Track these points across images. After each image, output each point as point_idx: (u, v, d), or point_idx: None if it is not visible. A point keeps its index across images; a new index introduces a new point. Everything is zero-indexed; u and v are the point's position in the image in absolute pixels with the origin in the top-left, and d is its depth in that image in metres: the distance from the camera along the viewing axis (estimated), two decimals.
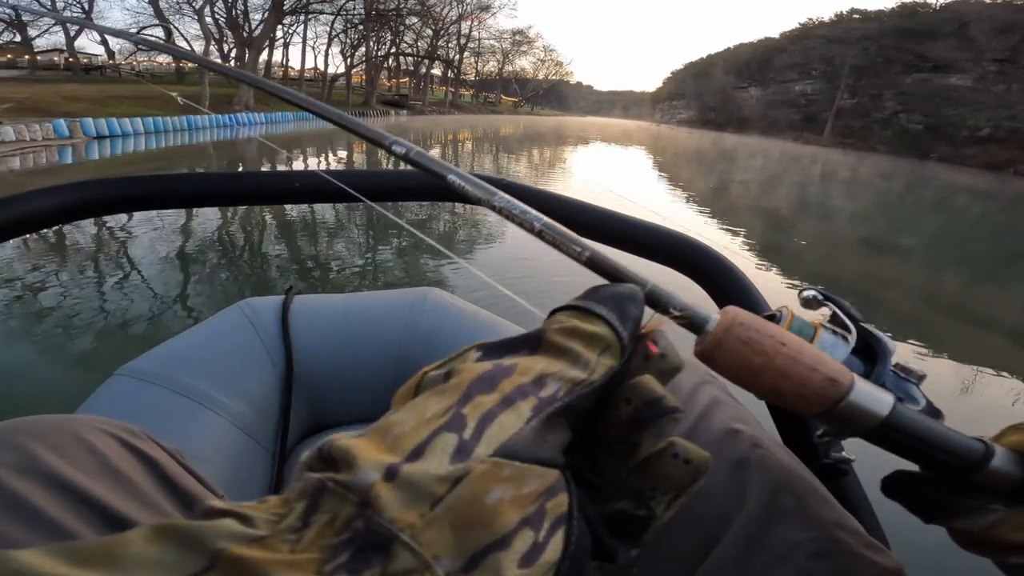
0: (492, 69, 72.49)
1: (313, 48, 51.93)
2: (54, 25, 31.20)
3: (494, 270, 4.79)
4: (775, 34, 75.37)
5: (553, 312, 0.24)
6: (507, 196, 0.30)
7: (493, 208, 0.30)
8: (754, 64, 71.84)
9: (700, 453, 0.22)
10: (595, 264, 0.29)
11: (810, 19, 68.67)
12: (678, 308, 0.28)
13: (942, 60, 47.31)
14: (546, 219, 0.30)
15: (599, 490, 0.23)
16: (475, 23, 56.88)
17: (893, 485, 0.31)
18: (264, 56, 30.74)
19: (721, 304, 0.51)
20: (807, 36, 64.84)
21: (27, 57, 30.78)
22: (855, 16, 60.41)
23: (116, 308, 3.39)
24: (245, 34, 32.18)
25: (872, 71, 52.73)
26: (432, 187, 0.72)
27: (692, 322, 0.28)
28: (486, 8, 55.04)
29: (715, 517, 0.39)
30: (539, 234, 0.30)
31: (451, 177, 0.31)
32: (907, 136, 47.58)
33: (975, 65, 45.51)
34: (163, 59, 36.81)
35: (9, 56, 31.21)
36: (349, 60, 41.91)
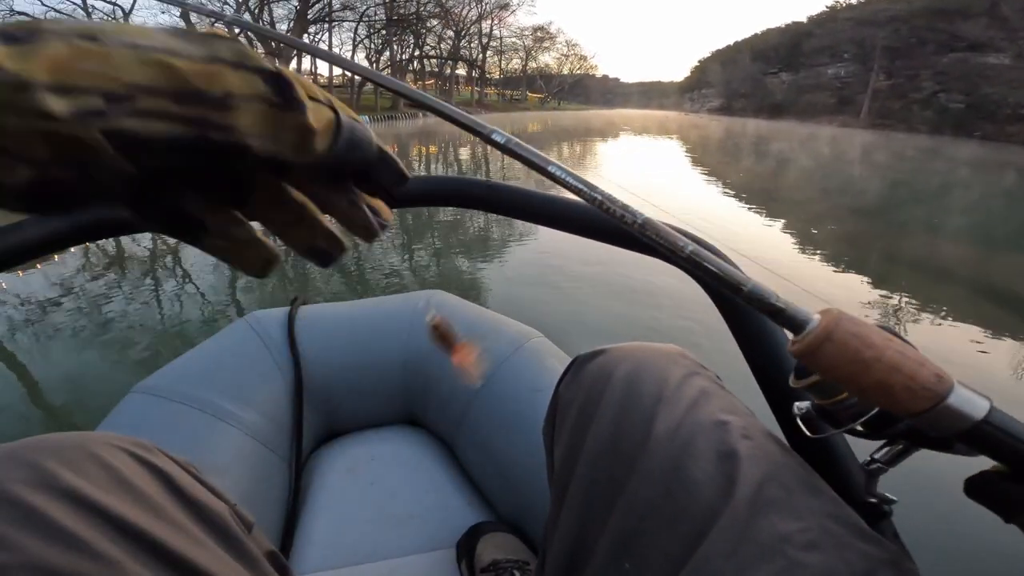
0: (516, 66, 72.35)
1: (340, 54, 52.47)
2: None
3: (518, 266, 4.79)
4: (802, 18, 73.49)
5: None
6: (606, 191, 0.30)
7: (592, 202, 0.30)
8: (783, 49, 70.13)
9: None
10: (695, 262, 0.29)
11: (837, 2, 66.83)
12: (778, 306, 0.28)
13: (976, 39, 45.53)
14: (645, 215, 0.30)
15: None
16: (495, 22, 56.84)
17: (978, 486, 0.31)
18: (293, 64, 31.25)
19: (722, 305, 0.52)
20: (835, 19, 63.05)
21: None
22: None
23: (119, 326, 3.37)
24: (273, 44, 32.78)
25: (906, 52, 51.00)
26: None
27: (792, 320, 0.28)
28: (505, 6, 54.92)
29: (703, 510, 0.38)
30: (640, 229, 0.29)
31: (551, 168, 0.31)
32: (948, 115, 46.00)
33: (1011, 43, 43.72)
34: None
35: None
36: (375, 65, 42.36)
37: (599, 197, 0.29)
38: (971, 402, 0.27)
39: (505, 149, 0.30)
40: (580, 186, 0.30)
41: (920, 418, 0.28)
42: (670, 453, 0.42)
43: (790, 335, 0.29)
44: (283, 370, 0.95)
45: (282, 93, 0.23)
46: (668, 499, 0.40)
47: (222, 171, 0.24)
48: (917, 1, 52.05)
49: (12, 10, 29.42)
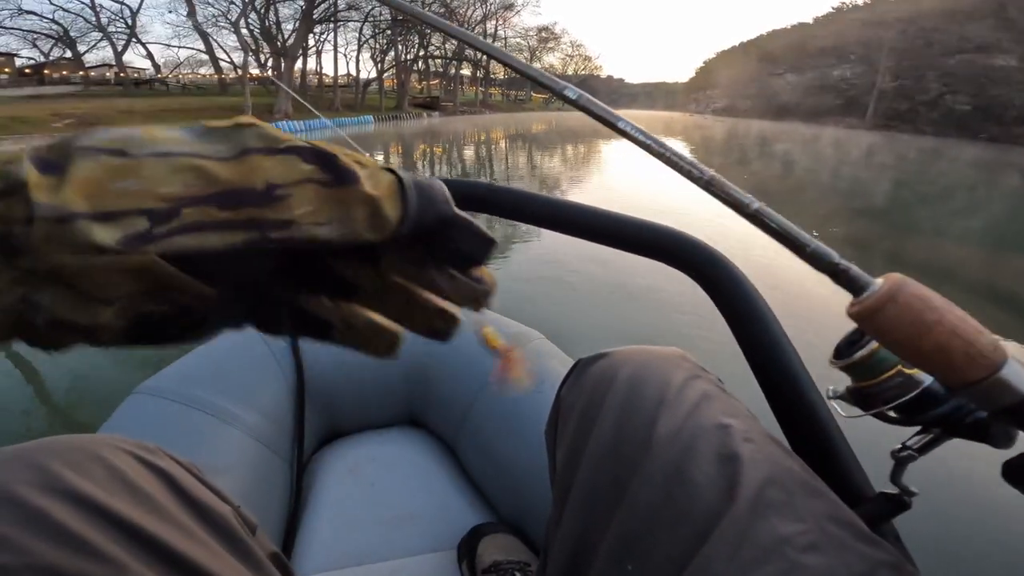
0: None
1: (344, 55, 52.70)
2: (101, 40, 32.40)
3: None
4: (808, 19, 73.30)
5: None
6: (672, 147, 0.31)
7: (661, 157, 0.30)
8: (788, 50, 69.95)
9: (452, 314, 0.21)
10: (760, 219, 0.29)
11: (843, 2, 66.61)
12: (840, 266, 0.28)
13: (983, 41, 45.35)
14: (711, 171, 0.30)
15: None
16: (500, 22, 56.89)
17: (1016, 468, 0.31)
18: (299, 64, 31.40)
19: (719, 299, 0.52)
20: (841, 20, 62.88)
21: (81, 73, 32.15)
22: None
23: None
24: (279, 44, 32.90)
25: (912, 53, 50.76)
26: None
27: (854, 281, 0.28)
28: (509, 7, 54.94)
29: (705, 513, 0.38)
30: (707, 185, 0.30)
31: (621, 124, 0.32)
32: (954, 117, 45.81)
33: (1018, 45, 43.50)
34: (206, 71, 37.92)
35: (64, 72, 32.64)
36: (380, 65, 42.46)
37: (667, 153, 0.30)
38: (1022, 376, 0.27)
39: (577, 105, 0.31)
40: (648, 141, 0.30)
41: (973, 388, 0.27)
42: (672, 456, 0.42)
43: (849, 297, 0.29)
44: (285, 371, 0.95)
45: (329, 168, 0.21)
46: (670, 501, 0.40)
47: (311, 269, 0.23)
48: (924, 2, 51.88)
49: (20, 8, 29.59)
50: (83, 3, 29.56)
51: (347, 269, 0.25)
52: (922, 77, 50.13)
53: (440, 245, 0.25)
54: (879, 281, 0.28)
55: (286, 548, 0.83)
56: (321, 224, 0.20)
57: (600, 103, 0.32)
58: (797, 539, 0.35)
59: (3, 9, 29.07)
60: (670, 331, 3.29)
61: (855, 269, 0.28)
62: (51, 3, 29.87)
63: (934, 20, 50.11)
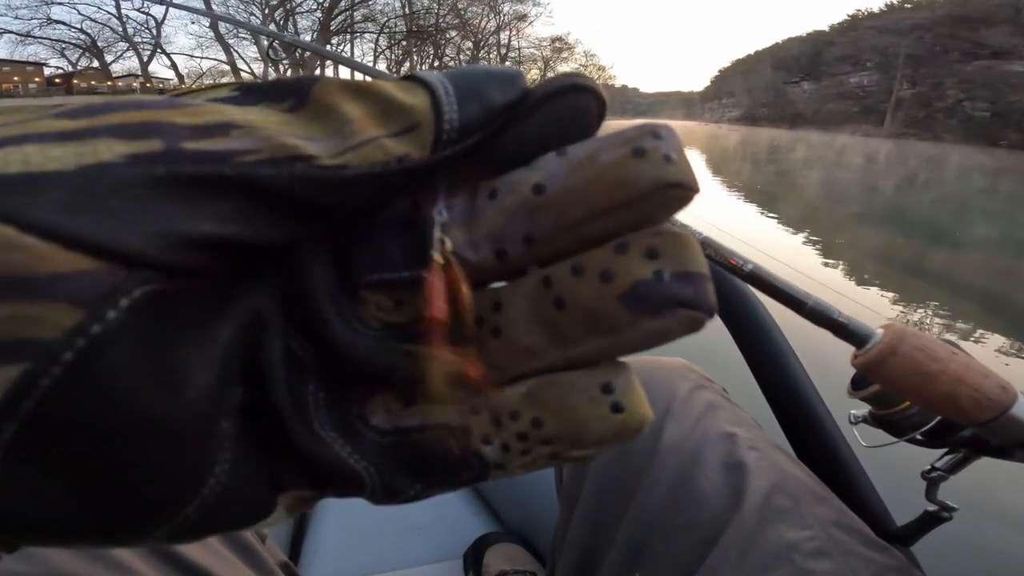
0: (535, 77, 72.87)
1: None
2: (127, 50, 33.09)
3: None
4: (824, 27, 72.99)
5: None
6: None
7: None
8: (804, 58, 69.70)
9: (641, 406, 0.13)
10: (756, 278, 0.29)
11: (859, 10, 66.24)
12: (840, 321, 0.28)
13: (1000, 47, 44.90)
14: (703, 234, 0.30)
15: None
16: (514, 33, 57.25)
17: None
18: (316, 74, 31.76)
19: (721, 310, 0.52)
20: (857, 28, 62.52)
21: (108, 83, 32.81)
22: (906, 5, 57.96)
23: None
24: (298, 55, 33.40)
25: (929, 60, 50.36)
26: None
27: (854, 334, 0.29)
28: (523, 17, 55.22)
29: (712, 520, 0.39)
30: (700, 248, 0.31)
31: None
32: (973, 124, 45.31)
33: None
34: (227, 81, 38.70)
35: (92, 82, 33.36)
36: (395, 75, 42.84)
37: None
38: None
39: None
40: None
41: (985, 427, 0.28)
42: (678, 464, 0.42)
43: (852, 348, 0.29)
44: None
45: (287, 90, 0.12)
46: (677, 510, 0.41)
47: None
48: (940, 9, 51.50)
49: (49, 18, 30.33)
50: (110, 13, 30.25)
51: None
52: (940, 84, 49.71)
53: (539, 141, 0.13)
54: (879, 332, 0.29)
55: (292, 557, 0.83)
56: (299, 137, 0.11)
57: None
58: (804, 545, 0.35)
59: (32, 19, 29.84)
60: (674, 342, 3.26)
61: (855, 322, 0.28)
62: (79, 13, 30.60)
63: (950, 26, 49.71)
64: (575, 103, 0.12)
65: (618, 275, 0.12)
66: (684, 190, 0.11)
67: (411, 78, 0.13)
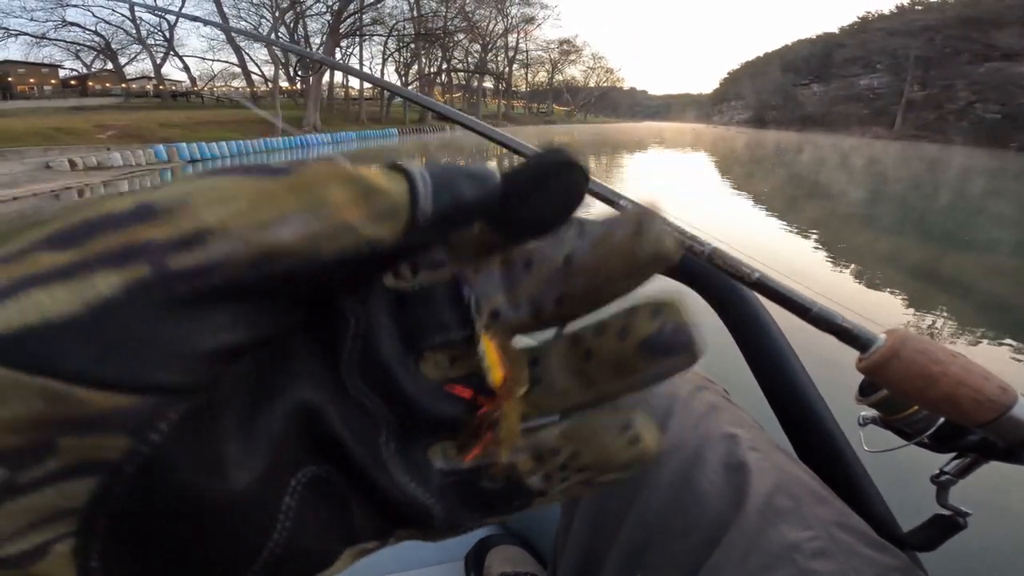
0: (542, 79, 72.78)
1: (370, 68, 53.59)
2: (141, 52, 33.43)
3: None
4: (834, 29, 72.59)
5: None
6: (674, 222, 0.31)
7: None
8: (814, 60, 69.35)
9: (654, 438, 0.16)
10: (762, 286, 0.30)
11: (868, 12, 65.90)
12: (844, 326, 0.29)
13: (1010, 48, 44.53)
14: (712, 244, 0.31)
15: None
16: (521, 35, 57.31)
17: None
18: (326, 77, 31.95)
19: (721, 311, 0.52)
20: (867, 29, 62.17)
21: (123, 85, 33.18)
22: (917, 7, 57.55)
23: None
24: (307, 61, 33.56)
25: (939, 62, 50.02)
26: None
27: (858, 339, 0.30)
28: (531, 20, 55.33)
29: (713, 521, 0.39)
30: (708, 259, 0.31)
31: (621, 201, 0.33)
32: (984, 126, 44.95)
33: None
34: (238, 83, 38.95)
35: (106, 84, 33.71)
36: (404, 78, 43.03)
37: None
38: None
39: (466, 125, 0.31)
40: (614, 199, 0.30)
41: (987, 428, 0.29)
42: (680, 465, 0.43)
43: (856, 353, 0.30)
44: None
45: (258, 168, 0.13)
46: (679, 510, 0.41)
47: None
48: (950, 10, 51.13)
49: (64, 20, 30.68)
50: (124, 16, 30.56)
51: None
52: (950, 86, 49.37)
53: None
54: (882, 337, 0.29)
55: None
56: (269, 224, 0.11)
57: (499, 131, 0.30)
58: (806, 545, 0.35)
59: (47, 21, 30.23)
60: None
61: (858, 327, 0.29)
62: (94, 15, 30.94)
63: (960, 28, 49.36)
64: (568, 181, 0.14)
65: (632, 330, 0.15)
66: (671, 257, 0.15)
67: (395, 167, 0.13)
